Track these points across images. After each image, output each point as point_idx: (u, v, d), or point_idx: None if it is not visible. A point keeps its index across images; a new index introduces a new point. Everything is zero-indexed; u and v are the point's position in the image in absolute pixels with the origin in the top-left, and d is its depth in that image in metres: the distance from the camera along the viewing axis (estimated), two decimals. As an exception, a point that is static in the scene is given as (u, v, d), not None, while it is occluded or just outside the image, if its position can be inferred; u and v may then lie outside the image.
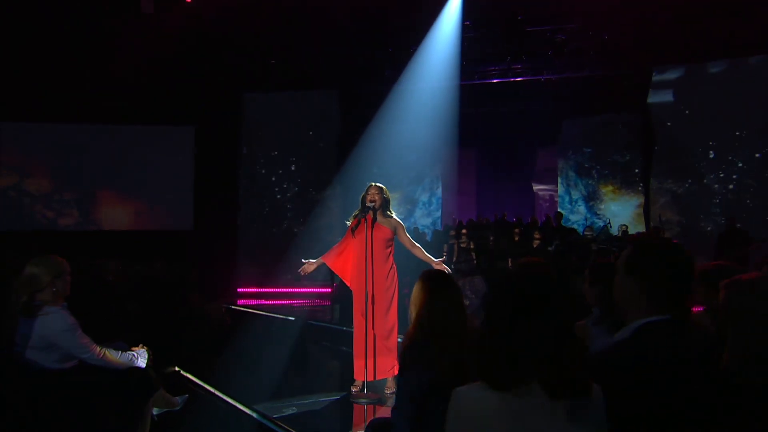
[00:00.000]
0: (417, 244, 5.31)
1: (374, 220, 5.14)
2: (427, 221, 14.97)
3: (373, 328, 4.96)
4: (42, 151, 13.31)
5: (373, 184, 5.30)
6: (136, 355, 3.57)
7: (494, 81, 13.43)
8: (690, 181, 12.21)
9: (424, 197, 14.90)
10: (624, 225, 12.46)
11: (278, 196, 13.81)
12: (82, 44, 11.83)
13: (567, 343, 1.59)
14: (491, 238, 12.77)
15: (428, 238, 13.01)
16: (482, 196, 16.76)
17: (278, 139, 13.73)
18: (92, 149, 13.37)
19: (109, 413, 3.44)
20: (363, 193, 5.28)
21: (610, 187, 14.05)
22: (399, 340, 5.03)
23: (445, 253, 12.22)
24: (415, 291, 2.77)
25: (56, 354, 3.31)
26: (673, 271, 1.95)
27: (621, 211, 13.71)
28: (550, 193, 15.82)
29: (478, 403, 1.59)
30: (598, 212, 14.08)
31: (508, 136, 15.55)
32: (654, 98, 12.55)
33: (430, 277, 2.79)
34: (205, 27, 11.62)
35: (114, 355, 3.44)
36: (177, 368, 5.72)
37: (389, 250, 5.24)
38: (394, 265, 5.27)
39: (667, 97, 12.45)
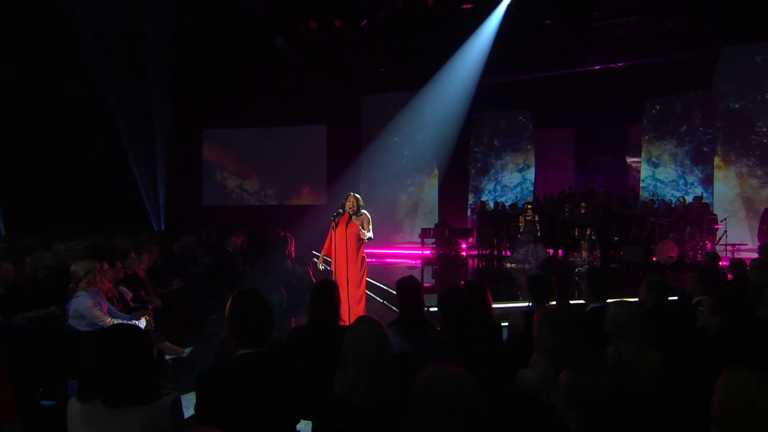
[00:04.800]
0: (369, 234, 5.75)
1: (349, 220, 5.65)
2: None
3: (348, 296, 5.53)
4: (250, 156, 16.08)
5: (351, 194, 5.80)
6: (137, 322, 4.51)
7: (592, 69, 12.65)
8: (752, 158, 10.41)
9: (490, 186, 14.42)
10: (663, 198, 11.21)
11: (391, 179, 14.31)
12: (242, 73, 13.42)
13: (121, 367, 1.92)
14: (566, 209, 12.17)
15: (507, 210, 12.83)
16: (579, 170, 15.78)
17: (387, 130, 14.16)
18: (271, 151, 15.61)
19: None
20: (343, 200, 5.81)
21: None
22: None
23: (521, 224, 11.99)
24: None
25: (85, 321, 4.35)
26: (253, 313, 2.27)
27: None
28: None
29: (74, 410, 1.97)
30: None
31: (601, 116, 14.43)
32: (718, 78, 10.79)
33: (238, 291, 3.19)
34: (327, 49, 12.43)
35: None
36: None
37: (361, 242, 5.71)
38: (364, 254, 5.82)
39: (730, 77, 10.62)
